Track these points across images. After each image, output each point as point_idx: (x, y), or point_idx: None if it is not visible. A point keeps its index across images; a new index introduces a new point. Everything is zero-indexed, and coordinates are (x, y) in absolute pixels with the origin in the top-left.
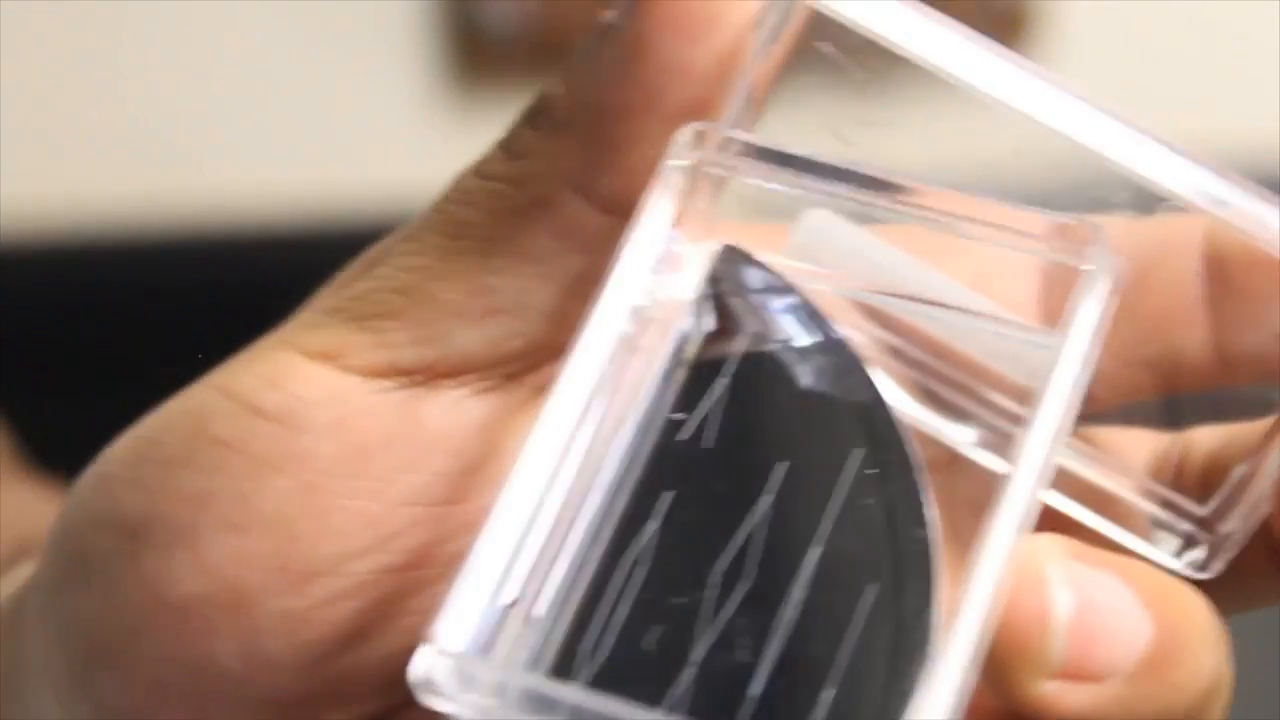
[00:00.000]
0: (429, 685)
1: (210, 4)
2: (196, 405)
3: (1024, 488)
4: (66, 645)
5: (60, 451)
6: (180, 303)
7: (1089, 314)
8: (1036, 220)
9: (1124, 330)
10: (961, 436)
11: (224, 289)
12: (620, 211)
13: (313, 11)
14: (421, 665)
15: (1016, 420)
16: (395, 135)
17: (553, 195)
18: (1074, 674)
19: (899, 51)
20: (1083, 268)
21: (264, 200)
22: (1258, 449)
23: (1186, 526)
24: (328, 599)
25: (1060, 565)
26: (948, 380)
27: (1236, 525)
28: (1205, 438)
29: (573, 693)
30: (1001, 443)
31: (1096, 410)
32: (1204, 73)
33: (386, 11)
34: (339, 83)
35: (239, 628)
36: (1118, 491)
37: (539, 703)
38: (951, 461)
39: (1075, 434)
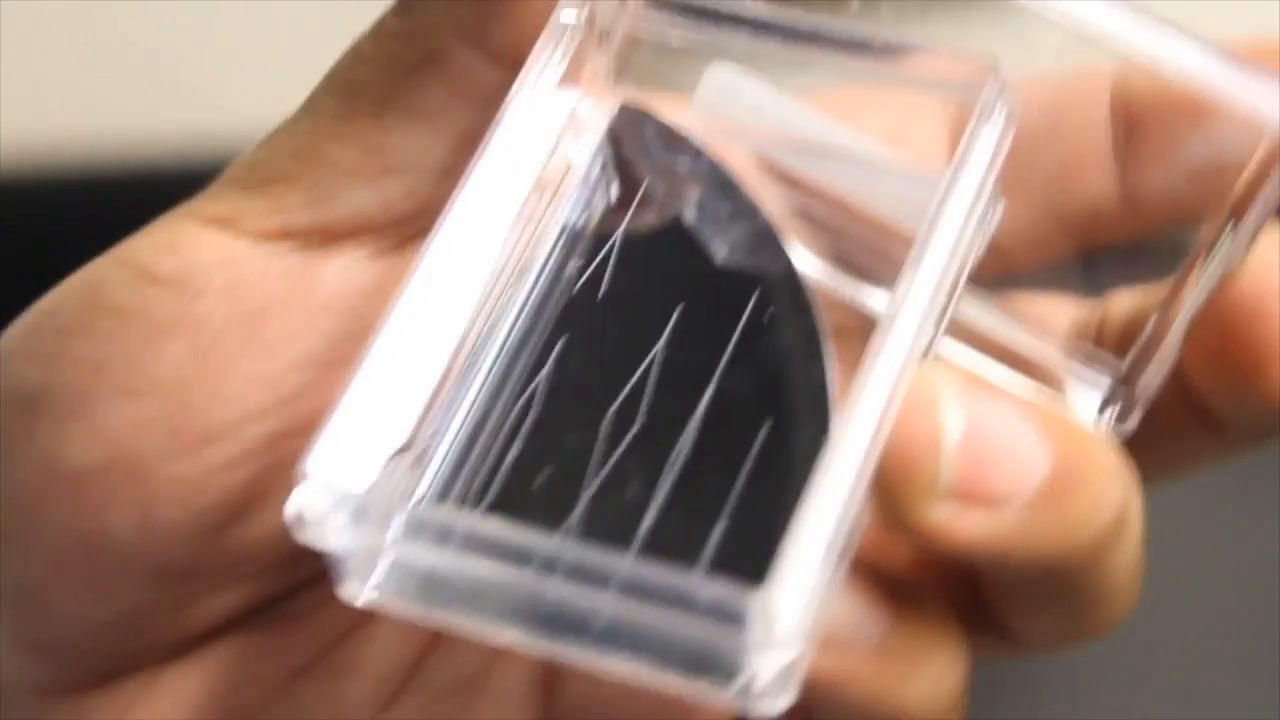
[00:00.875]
0: (305, 520)
1: None
2: (93, 276)
3: (912, 313)
4: None
5: None
6: None
7: (983, 145)
8: (937, 56)
9: (1033, 180)
10: (872, 300)
11: None
12: (515, 65)
13: None
14: (298, 500)
15: None
16: None
17: (445, 49)
18: (967, 497)
19: None
20: (979, 100)
21: (256, 128)
22: (1167, 299)
23: (1105, 382)
24: (222, 464)
25: (953, 390)
26: (856, 241)
27: (1150, 377)
28: (1123, 300)
29: (465, 518)
30: None
31: (1013, 272)
32: None
33: None
34: (349, 12)
35: (134, 496)
36: (1036, 351)
37: (428, 531)
38: (865, 328)
39: (995, 298)
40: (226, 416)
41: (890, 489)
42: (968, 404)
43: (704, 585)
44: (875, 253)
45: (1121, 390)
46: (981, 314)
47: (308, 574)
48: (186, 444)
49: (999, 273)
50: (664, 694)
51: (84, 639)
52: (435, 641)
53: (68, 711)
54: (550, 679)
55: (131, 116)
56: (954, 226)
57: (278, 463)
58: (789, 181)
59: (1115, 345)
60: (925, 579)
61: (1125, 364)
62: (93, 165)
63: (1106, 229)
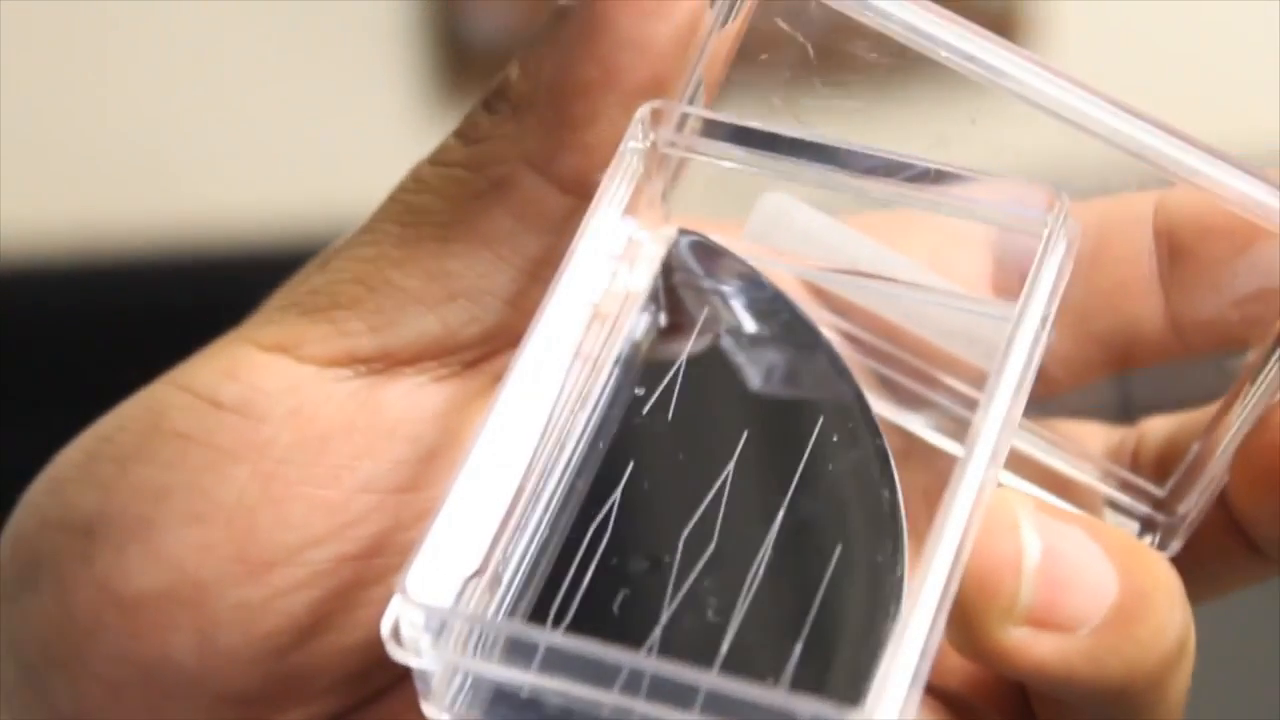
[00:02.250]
0: (401, 636)
1: (193, 17)
2: (152, 401)
3: (988, 440)
4: (17, 652)
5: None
6: (155, 321)
7: (1048, 274)
8: (998, 185)
9: (1078, 306)
10: (918, 425)
11: (204, 307)
12: (580, 191)
13: (298, 24)
14: (393, 615)
15: (974, 406)
16: (382, 146)
17: (512, 176)
18: (1042, 621)
19: (866, 24)
20: (1043, 231)
21: (250, 215)
22: (1212, 424)
23: (1144, 509)
24: (286, 589)
25: (1030, 513)
26: (905, 368)
27: (1193, 503)
28: (1158, 426)
29: (550, 635)
30: (959, 430)
31: (1053, 394)
32: (1200, 74)
33: (372, 23)
34: (325, 95)
35: (195, 622)
36: (1075, 476)
37: (514, 649)
38: (908, 452)
39: (1033, 422)
40: (290, 542)
41: (969, 612)
42: (1042, 526)
43: (796, 701)
44: (920, 378)
45: (1161, 516)
46: (1020, 436)
47: (367, 692)
48: (250, 569)
49: (1037, 396)
50: None
51: None
52: None
53: None
54: None
55: (104, 204)
56: (1023, 354)
57: (342, 587)
58: (838, 307)
59: (1152, 470)
60: (984, 703)
61: (1166, 489)
62: (70, 252)
63: (1150, 354)
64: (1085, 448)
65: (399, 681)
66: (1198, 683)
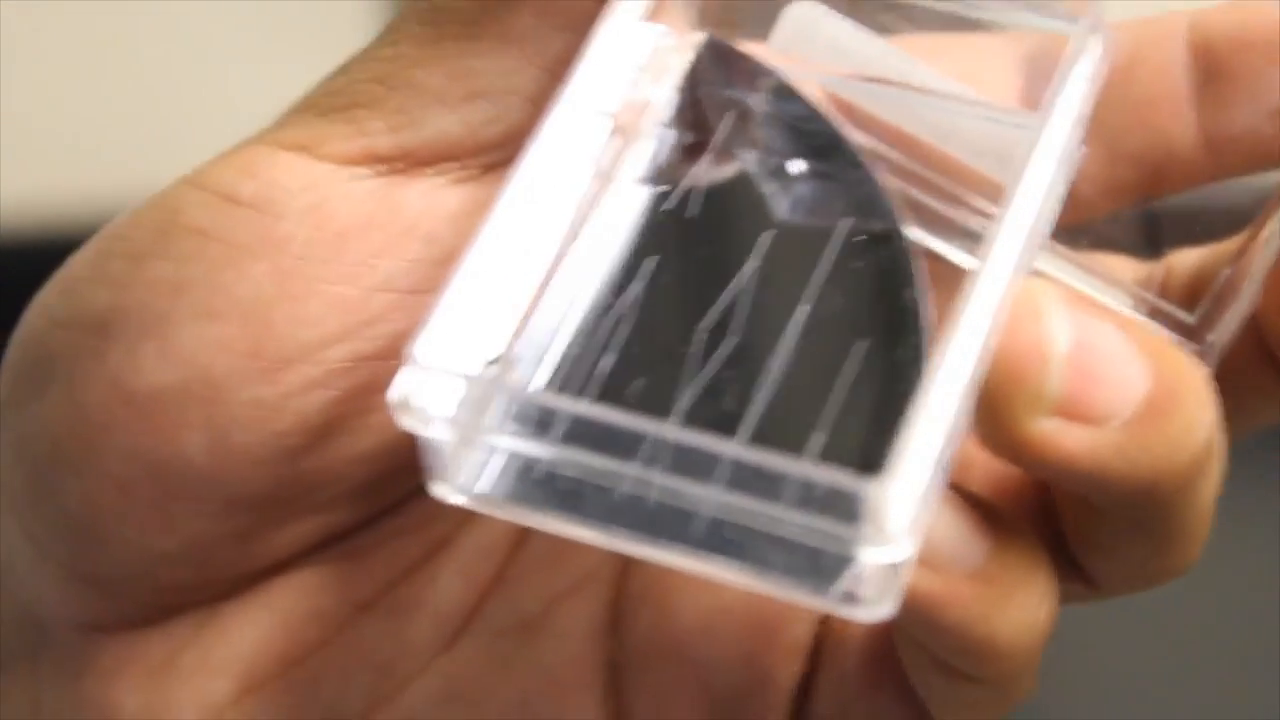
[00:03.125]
0: (410, 404)
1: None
2: (167, 199)
3: (1016, 228)
4: (25, 454)
5: None
6: None
7: (1077, 79)
8: None
9: (1109, 123)
10: (944, 246)
11: None
12: None
13: (269, 13)
14: (403, 383)
15: None
16: None
17: None
18: (1071, 411)
19: None
20: (1072, 34)
21: None
22: (1241, 248)
23: (1173, 336)
24: (301, 387)
25: (1060, 303)
26: (932, 187)
27: (1223, 329)
28: (1187, 257)
29: (571, 404)
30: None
31: (1084, 217)
32: None
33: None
34: (294, 82)
35: (208, 419)
36: (1104, 300)
37: (531, 417)
38: (934, 274)
39: (1063, 246)
40: (307, 339)
41: (996, 399)
42: (1074, 317)
43: (818, 471)
44: (948, 199)
45: (1191, 344)
46: (1050, 260)
47: (375, 508)
48: (265, 366)
49: (1068, 220)
50: (739, 631)
51: (143, 571)
52: (498, 581)
53: (115, 650)
54: (618, 619)
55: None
56: (1053, 152)
57: (357, 388)
58: (865, 124)
59: (1182, 298)
60: (1009, 507)
61: (1195, 316)
62: (41, 232)
63: (1183, 175)
64: (1114, 273)
65: (409, 497)
66: (1197, 675)
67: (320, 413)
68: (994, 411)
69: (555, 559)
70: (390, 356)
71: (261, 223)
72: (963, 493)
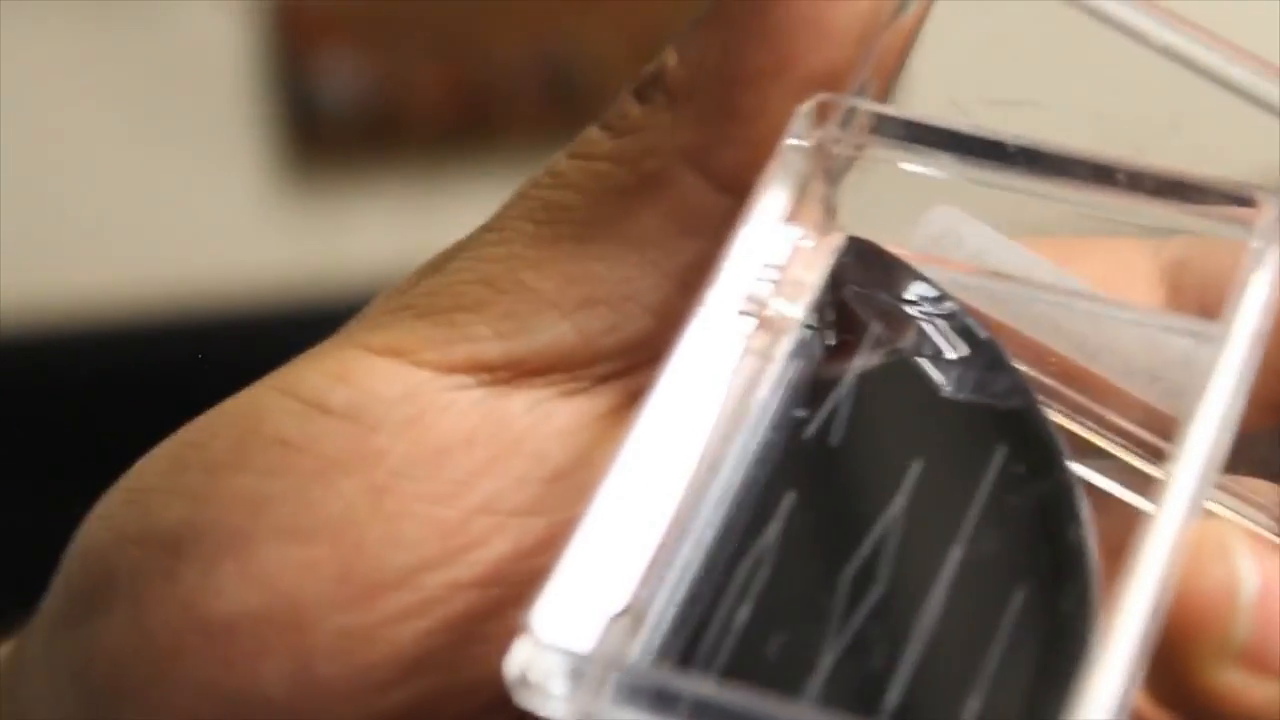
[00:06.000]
0: (528, 681)
1: (44, 103)
2: (249, 405)
3: (1194, 467)
4: (82, 682)
5: None
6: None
7: (1258, 292)
8: (1203, 182)
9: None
10: (1093, 474)
11: (55, 385)
12: (741, 191)
13: (145, 103)
14: (520, 658)
15: (1154, 453)
16: (238, 221)
17: (665, 172)
18: (1259, 662)
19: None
20: (1251, 243)
21: (109, 297)
22: None
23: None
24: (394, 616)
25: (1244, 542)
26: (1082, 410)
27: None
28: None
29: (695, 684)
30: (1132, 478)
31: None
32: None
33: (223, 98)
34: (179, 172)
35: (291, 649)
36: (1252, 525)
37: (660, 699)
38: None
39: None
40: (401, 563)
41: (1177, 650)
42: (1258, 555)
43: None
44: (1094, 419)
45: None
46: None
47: None
48: (355, 593)
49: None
50: None
51: None
52: None
53: None
54: None
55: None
56: (1231, 378)
57: (454, 618)
58: (1010, 340)
59: None
60: None
61: None
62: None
63: None
64: (1263, 500)
65: None
66: None
67: (414, 644)
68: (1173, 662)
69: None
70: (491, 584)
71: (354, 434)
72: None
